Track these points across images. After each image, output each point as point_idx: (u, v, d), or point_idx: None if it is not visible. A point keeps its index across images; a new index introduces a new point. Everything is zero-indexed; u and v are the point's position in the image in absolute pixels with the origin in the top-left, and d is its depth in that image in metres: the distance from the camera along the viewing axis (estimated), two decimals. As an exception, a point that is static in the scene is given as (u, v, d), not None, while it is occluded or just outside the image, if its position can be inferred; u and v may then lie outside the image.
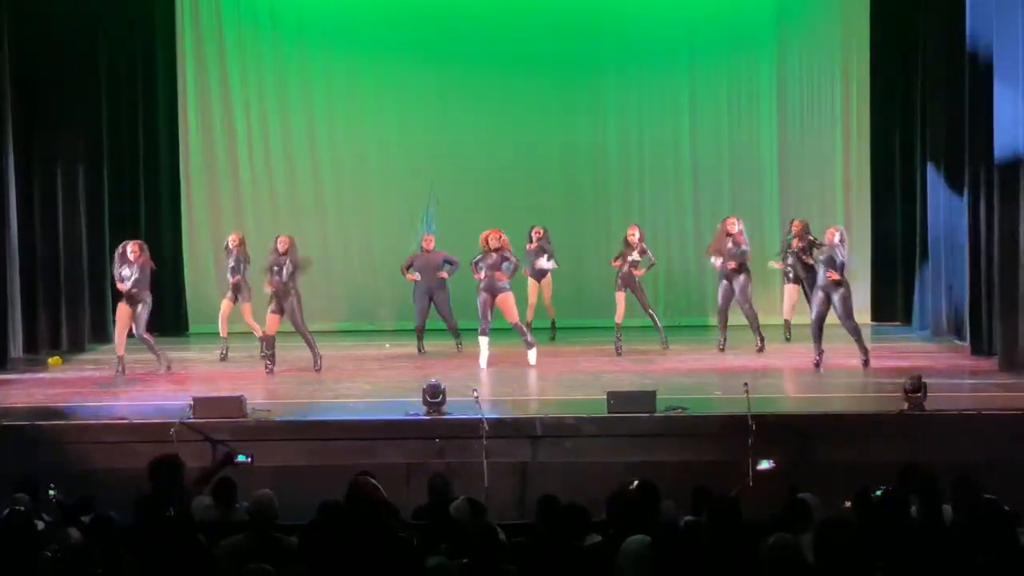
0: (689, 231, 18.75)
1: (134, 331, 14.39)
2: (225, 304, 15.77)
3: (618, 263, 15.68)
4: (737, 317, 15.70)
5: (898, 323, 17.61)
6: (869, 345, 14.55)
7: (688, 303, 18.82)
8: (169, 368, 14.51)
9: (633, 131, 18.80)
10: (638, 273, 15.62)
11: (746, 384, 11.12)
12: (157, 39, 18.37)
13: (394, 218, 18.61)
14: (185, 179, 18.64)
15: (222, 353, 15.70)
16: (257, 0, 18.69)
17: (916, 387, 11.48)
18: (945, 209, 16.13)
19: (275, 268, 14.42)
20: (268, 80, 18.73)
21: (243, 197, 18.80)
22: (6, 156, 15.33)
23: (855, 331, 14.09)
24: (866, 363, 14.09)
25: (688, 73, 18.67)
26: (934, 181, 16.59)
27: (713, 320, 18.57)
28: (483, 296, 14.61)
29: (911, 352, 15.47)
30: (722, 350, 15.56)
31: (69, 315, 16.70)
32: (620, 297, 15.65)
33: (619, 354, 15.43)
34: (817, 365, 14.11)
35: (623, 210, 18.64)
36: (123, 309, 14.46)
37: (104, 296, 17.32)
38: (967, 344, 15.12)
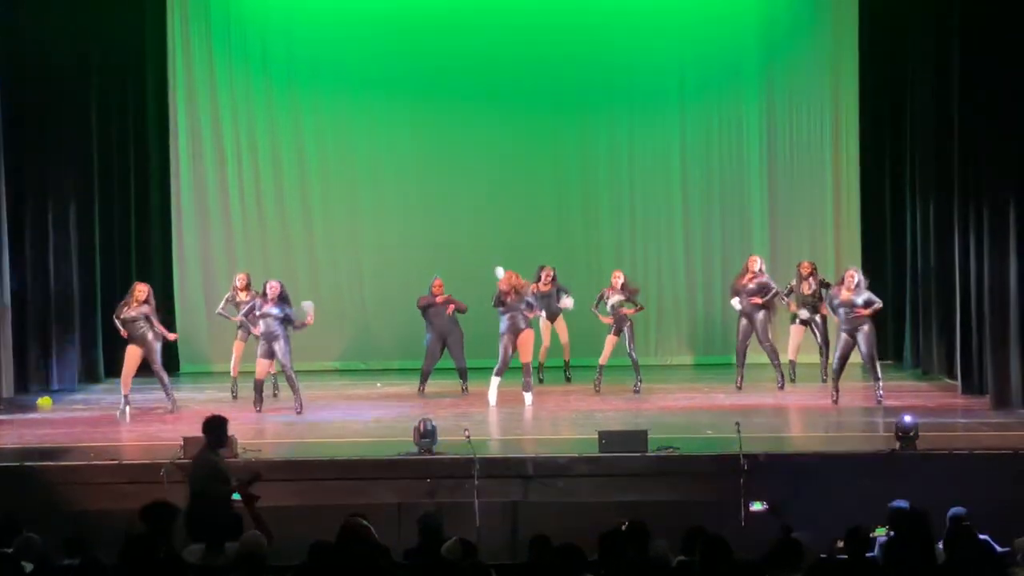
0: (680, 270, 18.75)
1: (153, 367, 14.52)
2: (237, 345, 15.65)
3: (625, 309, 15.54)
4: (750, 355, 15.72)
5: (889, 362, 17.58)
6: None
7: (678, 342, 18.82)
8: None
9: (623, 171, 18.79)
10: (628, 313, 15.54)
11: (738, 423, 11.15)
12: (148, 79, 18.37)
13: (385, 257, 18.61)
14: (176, 218, 18.62)
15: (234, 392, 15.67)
16: (248, 40, 18.72)
17: (908, 427, 11.48)
18: (935, 247, 16.14)
19: (256, 312, 14.31)
20: (259, 119, 18.73)
21: (234, 236, 18.77)
22: (-2, 194, 15.34)
23: (875, 367, 14.18)
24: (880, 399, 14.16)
25: (678, 113, 18.68)
26: (924, 219, 16.62)
27: (698, 359, 18.57)
28: (506, 337, 14.75)
29: (902, 391, 15.42)
30: (739, 388, 15.49)
31: (59, 355, 16.64)
32: (610, 340, 15.62)
33: (598, 391, 15.51)
34: (835, 402, 14.18)
35: (614, 250, 18.64)
36: (133, 350, 14.50)
37: (95, 336, 17.28)
38: (958, 383, 15.13)
